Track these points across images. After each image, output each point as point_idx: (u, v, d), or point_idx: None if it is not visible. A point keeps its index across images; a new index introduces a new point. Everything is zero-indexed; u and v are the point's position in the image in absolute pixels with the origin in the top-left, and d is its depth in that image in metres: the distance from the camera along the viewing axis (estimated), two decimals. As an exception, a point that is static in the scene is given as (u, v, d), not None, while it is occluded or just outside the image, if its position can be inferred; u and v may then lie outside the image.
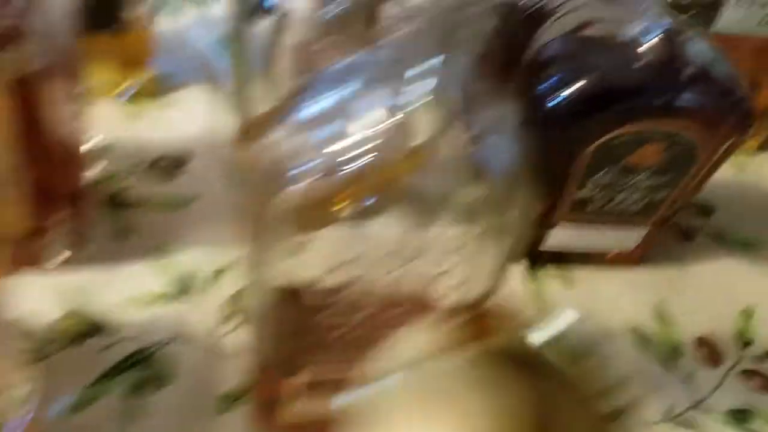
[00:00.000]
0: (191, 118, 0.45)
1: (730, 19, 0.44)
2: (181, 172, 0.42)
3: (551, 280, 0.41)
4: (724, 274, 0.43)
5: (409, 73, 0.21)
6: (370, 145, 0.22)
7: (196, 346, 0.33)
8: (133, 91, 0.45)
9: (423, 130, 0.22)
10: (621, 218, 0.38)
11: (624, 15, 0.34)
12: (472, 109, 0.23)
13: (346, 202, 0.24)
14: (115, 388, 0.32)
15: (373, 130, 0.22)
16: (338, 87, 0.23)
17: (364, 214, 0.24)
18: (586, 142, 0.34)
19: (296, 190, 0.23)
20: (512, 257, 0.27)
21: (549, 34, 0.36)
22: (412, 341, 0.15)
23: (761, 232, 0.46)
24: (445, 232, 0.24)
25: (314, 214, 0.24)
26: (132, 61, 0.45)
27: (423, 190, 0.23)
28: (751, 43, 0.47)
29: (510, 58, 0.39)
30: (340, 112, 0.22)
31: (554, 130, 0.34)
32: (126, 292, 0.35)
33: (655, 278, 0.42)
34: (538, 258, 0.41)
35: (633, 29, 0.33)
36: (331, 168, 0.23)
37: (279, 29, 0.31)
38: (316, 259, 0.24)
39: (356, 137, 0.22)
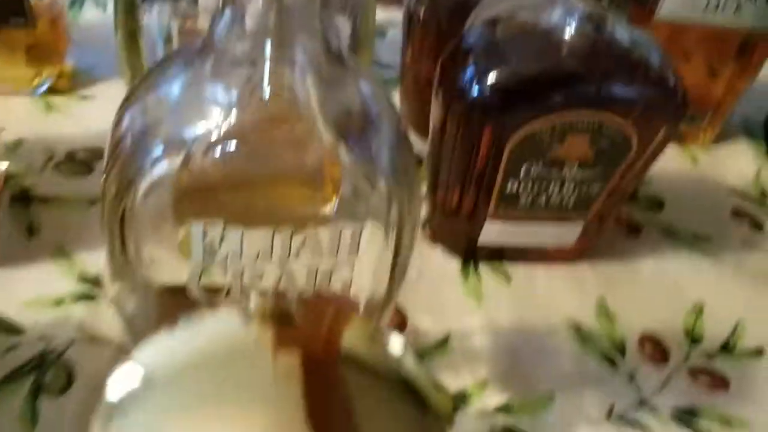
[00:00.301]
0: (105, 114, 0.44)
1: (673, 5, 0.45)
2: (93, 170, 0.41)
3: (488, 277, 0.41)
4: (672, 270, 0.43)
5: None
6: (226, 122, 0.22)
7: (102, 347, 0.33)
8: (46, 86, 0.44)
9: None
10: (555, 213, 0.38)
11: (547, 2, 0.34)
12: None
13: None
14: (17, 391, 0.31)
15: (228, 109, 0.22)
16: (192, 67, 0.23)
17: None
18: (508, 134, 0.34)
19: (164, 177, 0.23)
20: (405, 256, 0.27)
21: (473, 22, 0.36)
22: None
23: (714, 227, 0.46)
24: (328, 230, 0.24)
25: (185, 205, 0.24)
26: (46, 54, 0.45)
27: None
28: (701, 32, 0.48)
29: (438, 46, 0.39)
30: (194, 94, 0.23)
31: (475, 122, 0.34)
32: (31, 292, 0.34)
33: (598, 274, 0.42)
34: (474, 254, 0.41)
35: (556, 17, 0.33)
36: (190, 150, 0.23)
37: (172, 16, 0.31)
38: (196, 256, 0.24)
39: (212, 118, 0.22)
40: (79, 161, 0.41)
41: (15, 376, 0.31)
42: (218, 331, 0.14)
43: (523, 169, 0.36)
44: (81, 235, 0.37)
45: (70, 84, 0.45)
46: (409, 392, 0.13)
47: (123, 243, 0.25)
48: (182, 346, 0.14)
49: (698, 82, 0.49)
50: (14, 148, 0.41)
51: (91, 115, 0.44)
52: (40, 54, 0.43)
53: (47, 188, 0.39)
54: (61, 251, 0.36)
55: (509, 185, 0.37)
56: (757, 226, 0.47)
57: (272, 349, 0.13)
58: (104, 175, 0.25)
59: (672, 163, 0.51)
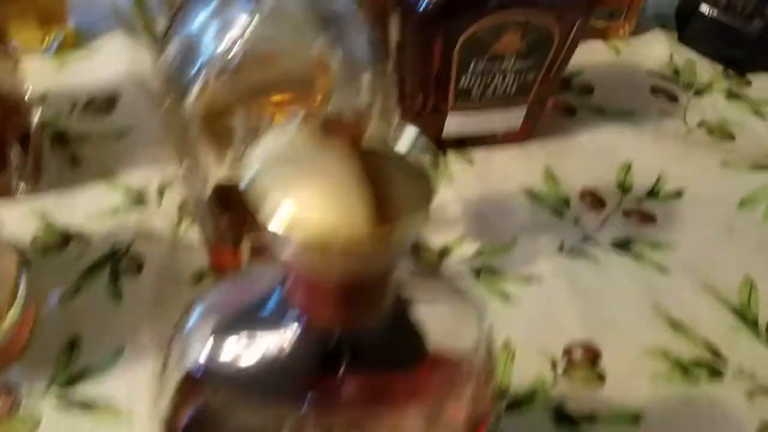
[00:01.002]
0: (114, 61, 0.54)
1: None
2: (114, 109, 0.51)
3: (454, 160, 0.52)
4: (605, 139, 0.55)
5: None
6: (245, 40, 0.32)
7: (159, 242, 0.43)
8: (56, 45, 0.54)
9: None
10: (502, 100, 0.49)
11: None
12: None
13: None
14: (96, 280, 0.41)
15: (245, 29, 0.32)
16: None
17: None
18: (455, 37, 0.45)
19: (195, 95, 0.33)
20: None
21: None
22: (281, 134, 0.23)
23: (636, 103, 0.58)
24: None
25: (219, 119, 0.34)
26: (49, 18, 0.54)
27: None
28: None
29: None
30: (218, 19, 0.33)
31: (428, 31, 0.45)
32: (87, 209, 0.44)
33: (543, 149, 0.53)
34: (442, 145, 0.52)
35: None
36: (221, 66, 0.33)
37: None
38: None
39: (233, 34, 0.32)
40: (98, 104, 0.50)
41: (94, 268, 0.42)
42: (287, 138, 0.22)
43: (471, 66, 0.47)
44: (117, 161, 0.47)
45: (76, 41, 0.54)
46: (416, 170, 0.22)
47: (182, 135, 0.35)
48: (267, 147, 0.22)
49: (611, -18, 0.61)
50: (41, 101, 0.50)
51: (100, 66, 0.53)
52: (46, 17, 0.52)
53: (78, 129, 0.49)
54: (104, 175, 0.46)
55: (462, 81, 0.48)
56: (672, 98, 0.59)
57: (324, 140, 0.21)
58: (163, 87, 0.35)
59: (598, 56, 0.63)
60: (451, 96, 0.49)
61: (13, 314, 0.37)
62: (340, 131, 0.21)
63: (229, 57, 0.33)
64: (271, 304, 0.25)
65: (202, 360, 0.25)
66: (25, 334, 0.38)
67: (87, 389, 0.37)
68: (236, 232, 0.38)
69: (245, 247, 0.38)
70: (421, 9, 0.44)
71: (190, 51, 0.35)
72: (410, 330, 0.26)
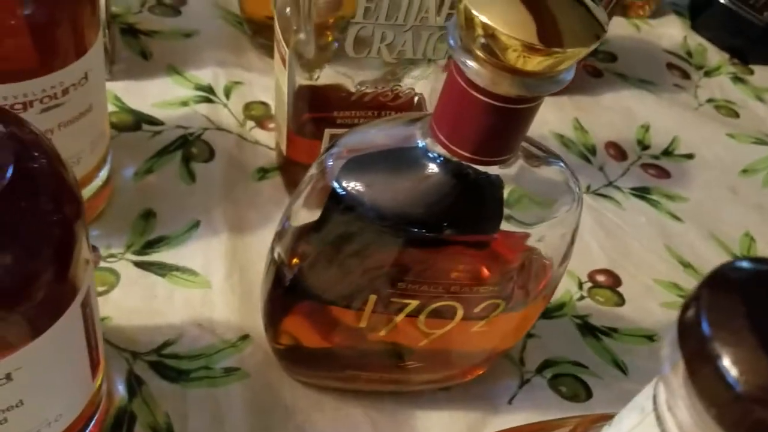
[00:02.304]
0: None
1: None
2: (182, 12, 0.51)
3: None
4: (626, 101, 0.58)
5: None
6: None
7: (229, 134, 0.44)
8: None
9: None
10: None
11: None
12: None
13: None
14: (169, 161, 0.42)
15: None
16: None
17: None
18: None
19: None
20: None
21: None
22: None
23: (654, 75, 0.61)
24: None
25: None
26: None
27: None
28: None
29: None
30: None
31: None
32: (159, 97, 0.45)
33: (572, 102, 0.56)
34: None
35: None
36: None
37: None
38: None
39: None
40: (167, 5, 0.51)
41: (167, 149, 0.43)
42: None
43: None
44: (185, 57, 0.48)
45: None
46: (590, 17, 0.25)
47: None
48: None
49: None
50: (112, -5, 0.50)
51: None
52: None
53: (148, 24, 0.49)
54: (174, 69, 0.47)
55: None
56: (685, 75, 0.62)
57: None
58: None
59: (620, 30, 0.65)
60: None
61: (97, 182, 0.38)
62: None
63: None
64: (414, 148, 0.27)
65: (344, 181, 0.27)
66: (103, 202, 0.39)
67: (164, 255, 0.38)
68: (316, 127, 0.39)
69: (324, 140, 0.39)
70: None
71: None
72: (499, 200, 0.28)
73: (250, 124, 0.45)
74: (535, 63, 0.24)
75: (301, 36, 0.37)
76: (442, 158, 0.27)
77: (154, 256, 0.38)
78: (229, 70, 0.48)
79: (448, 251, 0.29)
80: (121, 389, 0.33)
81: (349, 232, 0.29)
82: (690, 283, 0.45)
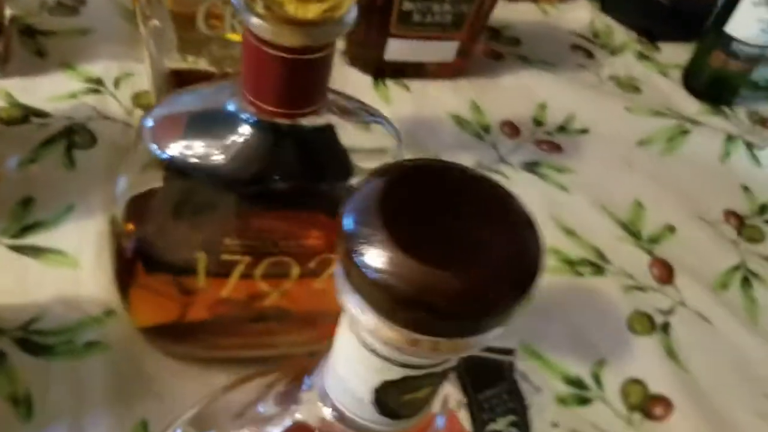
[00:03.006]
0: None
1: None
2: (79, 11, 0.52)
3: (393, 87, 0.55)
4: (526, 82, 0.58)
5: None
6: None
7: (114, 122, 0.45)
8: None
9: None
10: (439, 30, 0.53)
11: None
12: None
13: None
14: (53, 151, 0.43)
15: None
16: None
17: None
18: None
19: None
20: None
21: None
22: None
23: (557, 57, 0.62)
24: None
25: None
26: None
27: None
28: None
29: None
30: None
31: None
32: (50, 91, 0.46)
33: (471, 84, 0.57)
34: (382, 70, 0.55)
35: None
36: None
37: None
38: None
39: None
40: (66, 6, 0.52)
41: (52, 139, 0.43)
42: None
43: (412, -9, 0.50)
44: (79, 54, 0.49)
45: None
46: None
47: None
48: None
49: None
50: (13, -1, 0.51)
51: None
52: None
53: (47, 25, 0.50)
54: (66, 65, 0.48)
55: (404, 5, 0.50)
56: (589, 55, 0.63)
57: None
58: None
59: (528, 15, 0.66)
60: (394, 20, 0.51)
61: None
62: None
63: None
64: (226, 109, 0.28)
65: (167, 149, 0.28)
66: (-17, 191, 0.40)
67: (38, 239, 0.39)
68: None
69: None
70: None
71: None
72: (338, 149, 0.29)
73: (139, 112, 0.46)
74: (311, 11, 0.24)
75: (156, 23, 0.37)
76: (250, 115, 0.27)
77: (29, 240, 0.38)
78: (122, 62, 0.49)
79: (274, 210, 0.30)
80: (-18, 364, 0.33)
81: (177, 194, 0.30)
82: (572, 249, 0.46)
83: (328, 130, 0.28)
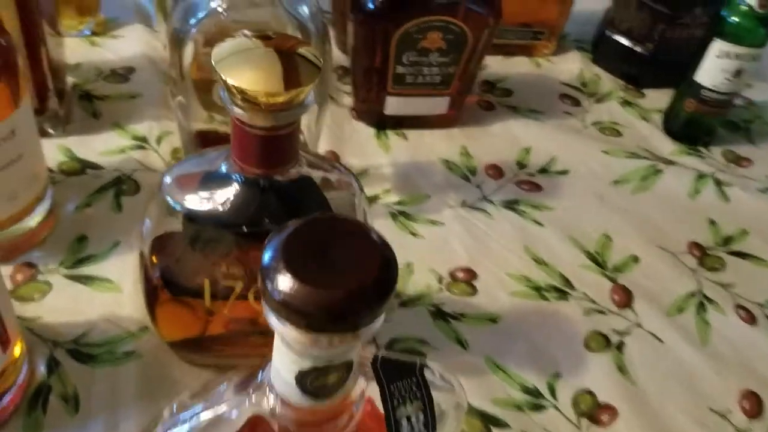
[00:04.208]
0: (133, 45, 0.64)
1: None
2: (129, 79, 0.61)
3: (393, 137, 0.62)
4: (513, 129, 0.64)
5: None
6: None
7: (155, 173, 0.53)
8: (89, 30, 0.64)
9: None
10: (430, 88, 0.59)
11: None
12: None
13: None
14: (104, 197, 0.51)
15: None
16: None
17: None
18: (392, 32, 0.55)
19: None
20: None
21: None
22: None
23: (545, 106, 0.68)
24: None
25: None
26: (86, 9, 0.64)
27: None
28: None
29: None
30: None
31: (373, 25, 0.55)
32: (103, 147, 0.54)
33: (463, 133, 0.63)
34: (384, 123, 0.62)
35: None
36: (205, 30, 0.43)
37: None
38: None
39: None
40: (119, 74, 0.61)
41: (103, 187, 0.52)
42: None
43: (404, 57, 0.57)
44: (128, 115, 0.57)
45: (104, 28, 0.65)
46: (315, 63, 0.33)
47: (180, 71, 0.45)
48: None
49: (534, 6, 0.71)
50: (75, 68, 0.60)
51: (122, 47, 0.64)
52: (84, 8, 0.63)
53: (101, 90, 0.59)
54: (117, 124, 0.57)
55: (397, 69, 0.57)
56: (576, 103, 0.69)
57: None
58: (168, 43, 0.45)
59: (521, 68, 0.73)
60: (390, 81, 0.58)
61: (39, 214, 0.47)
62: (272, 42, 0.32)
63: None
64: (221, 169, 0.35)
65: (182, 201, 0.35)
66: (46, 230, 0.48)
67: (89, 269, 0.46)
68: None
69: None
70: (369, 8, 0.54)
71: (188, 12, 0.45)
72: (316, 193, 0.36)
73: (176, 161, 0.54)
74: (278, 100, 0.31)
75: (181, 99, 0.45)
76: (239, 175, 0.34)
77: (82, 270, 0.46)
78: (163, 123, 0.57)
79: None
80: (42, 369, 0.41)
81: (189, 234, 0.37)
82: (540, 276, 0.51)
83: (306, 181, 0.35)
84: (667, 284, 0.53)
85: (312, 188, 0.37)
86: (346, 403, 0.26)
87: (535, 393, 0.44)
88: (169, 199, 0.36)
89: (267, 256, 0.21)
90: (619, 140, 0.65)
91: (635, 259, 0.54)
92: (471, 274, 0.51)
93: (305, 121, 0.48)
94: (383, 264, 0.21)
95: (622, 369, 0.46)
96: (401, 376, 0.27)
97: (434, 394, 0.27)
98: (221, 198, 0.35)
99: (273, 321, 0.21)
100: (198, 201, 0.36)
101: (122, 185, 0.52)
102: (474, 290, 0.50)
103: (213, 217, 0.35)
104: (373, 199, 0.55)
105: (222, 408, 0.27)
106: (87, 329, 0.43)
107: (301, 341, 0.21)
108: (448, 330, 0.47)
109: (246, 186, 0.35)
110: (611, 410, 0.44)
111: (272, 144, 0.33)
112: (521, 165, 0.61)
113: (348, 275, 0.21)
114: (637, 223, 0.57)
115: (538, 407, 0.43)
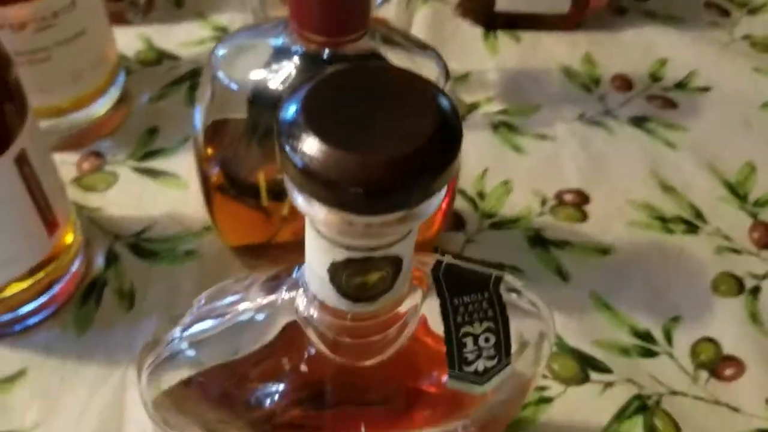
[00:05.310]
0: None
1: None
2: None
3: (503, 38, 0.55)
4: (648, 37, 0.56)
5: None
6: None
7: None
8: None
9: None
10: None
11: None
12: None
13: None
14: (178, 90, 0.48)
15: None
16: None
17: None
18: None
19: None
20: None
21: None
22: None
23: (687, 12, 0.59)
24: None
25: None
26: None
27: None
28: None
29: None
30: None
31: None
32: (183, 38, 0.51)
33: (588, 38, 0.55)
34: (493, 21, 0.55)
35: None
36: None
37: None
38: None
39: None
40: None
41: (178, 80, 0.49)
42: None
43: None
44: (212, 5, 0.54)
45: None
46: None
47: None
48: None
49: None
50: None
51: None
52: None
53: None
54: (200, 15, 0.53)
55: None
56: (723, 13, 0.59)
57: None
58: None
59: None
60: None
61: (108, 101, 0.44)
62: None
63: None
64: (278, 41, 0.31)
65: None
66: (117, 120, 0.46)
67: (157, 163, 0.44)
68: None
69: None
70: None
71: None
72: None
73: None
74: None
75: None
76: (299, 46, 0.30)
77: (150, 164, 0.44)
78: (247, 14, 0.53)
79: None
80: (100, 261, 0.39)
81: (248, 119, 0.33)
82: (666, 206, 0.44)
83: (375, 58, 0.30)
84: (822, 226, 0.44)
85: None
86: (394, 314, 0.21)
87: (646, 337, 0.38)
88: (221, 75, 0.32)
89: (286, 112, 0.17)
90: (775, 57, 0.56)
91: (784, 194, 0.46)
92: (582, 198, 0.44)
93: (393, 9, 0.43)
94: (439, 125, 0.16)
95: (755, 318, 0.39)
96: (469, 289, 0.22)
97: (513, 317, 0.22)
98: (280, 75, 0.31)
99: (295, 197, 0.17)
100: (255, 78, 0.32)
101: (198, 78, 0.49)
102: (584, 216, 0.43)
103: (272, 97, 0.31)
104: (471, 108, 0.50)
105: (247, 311, 0.23)
106: (149, 225, 0.41)
107: (330, 223, 0.17)
108: (547, 258, 0.41)
109: (306, 60, 0.30)
110: (737, 364, 0.37)
111: (334, 3, 0.28)
112: (655, 78, 0.53)
113: (391, 138, 0.16)
114: (787, 153, 0.48)
115: (648, 353, 0.38)
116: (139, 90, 0.48)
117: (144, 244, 0.40)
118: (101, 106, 0.44)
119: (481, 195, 0.44)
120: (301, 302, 0.21)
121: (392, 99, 0.17)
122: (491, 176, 0.45)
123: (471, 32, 0.55)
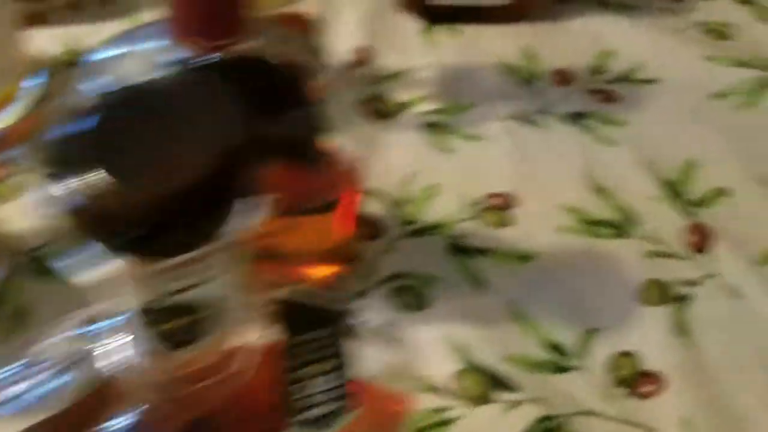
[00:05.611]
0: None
1: None
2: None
3: (444, 33, 0.53)
4: (596, 27, 0.54)
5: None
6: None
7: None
8: None
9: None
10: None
11: None
12: None
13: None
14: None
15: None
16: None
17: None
18: None
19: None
20: None
21: None
22: None
23: (641, 1, 0.57)
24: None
25: None
26: None
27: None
28: None
29: None
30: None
31: None
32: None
33: (532, 29, 0.54)
34: (434, 15, 0.54)
35: None
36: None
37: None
38: None
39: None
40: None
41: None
42: None
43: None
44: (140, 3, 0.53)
45: None
46: None
47: None
48: None
49: None
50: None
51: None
52: None
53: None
54: (128, 13, 0.52)
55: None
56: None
57: None
58: None
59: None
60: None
61: (18, 109, 0.43)
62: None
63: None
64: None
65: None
66: (32, 125, 0.45)
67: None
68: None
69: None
70: None
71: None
72: None
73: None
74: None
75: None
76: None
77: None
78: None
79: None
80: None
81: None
82: (597, 209, 0.43)
83: (254, 60, 0.28)
84: (761, 227, 0.43)
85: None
86: (217, 360, 0.20)
87: (561, 350, 0.37)
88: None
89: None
90: (727, 44, 0.53)
91: (724, 193, 0.44)
92: (510, 201, 0.43)
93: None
94: (218, 156, 0.15)
95: (682, 329, 0.38)
96: (311, 326, 0.21)
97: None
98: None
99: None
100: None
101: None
102: (510, 221, 0.42)
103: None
104: (402, 107, 0.48)
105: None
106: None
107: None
108: (466, 266, 0.40)
109: (182, 64, 0.29)
110: (657, 380, 0.36)
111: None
112: (597, 70, 0.51)
113: (165, 171, 0.15)
114: (734, 147, 0.46)
115: (561, 369, 0.36)
116: (63, 91, 0.47)
117: (43, 261, 0.39)
118: (9, 114, 0.43)
119: (404, 200, 0.43)
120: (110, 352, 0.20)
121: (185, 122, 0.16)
122: (418, 180, 0.44)
123: (411, 27, 0.53)
